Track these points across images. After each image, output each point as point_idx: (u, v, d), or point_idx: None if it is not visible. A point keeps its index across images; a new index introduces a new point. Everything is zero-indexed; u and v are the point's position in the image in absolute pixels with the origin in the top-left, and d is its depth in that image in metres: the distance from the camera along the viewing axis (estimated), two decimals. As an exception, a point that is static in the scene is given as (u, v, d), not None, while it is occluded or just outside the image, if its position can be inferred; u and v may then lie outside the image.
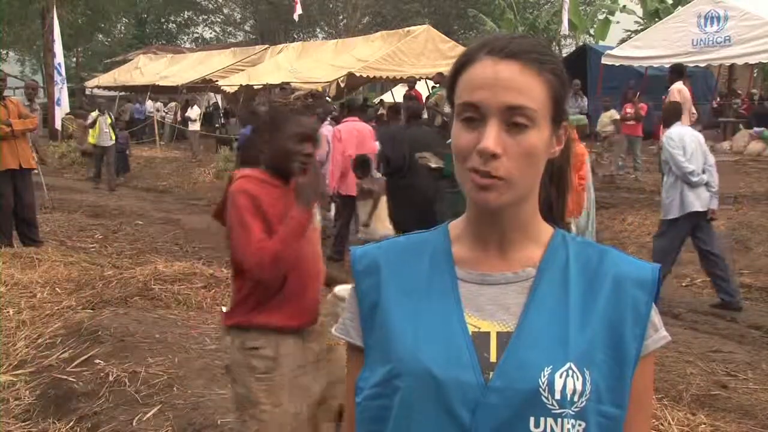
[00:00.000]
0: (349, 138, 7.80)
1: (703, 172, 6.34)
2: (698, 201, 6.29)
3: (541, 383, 1.02)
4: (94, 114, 15.24)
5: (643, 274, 1.11)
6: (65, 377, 4.07)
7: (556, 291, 1.08)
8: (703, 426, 3.78)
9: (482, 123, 1.04)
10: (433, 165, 6.79)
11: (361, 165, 7.18)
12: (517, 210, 1.08)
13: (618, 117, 13.03)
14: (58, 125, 19.09)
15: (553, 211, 1.18)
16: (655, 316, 1.11)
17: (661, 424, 3.67)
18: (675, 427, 3.65)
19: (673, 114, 6.69)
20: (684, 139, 6.34)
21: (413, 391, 1.05)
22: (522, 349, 1.04)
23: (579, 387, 1.02)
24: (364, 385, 1.13)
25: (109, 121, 14.98)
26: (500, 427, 1.02)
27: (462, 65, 1.09)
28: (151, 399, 3.73)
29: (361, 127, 7.95)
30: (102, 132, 14.77)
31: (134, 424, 3.52)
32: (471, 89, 1.05)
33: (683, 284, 7.33)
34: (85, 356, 4.25)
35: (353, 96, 15.18)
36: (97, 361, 4.16)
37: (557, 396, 1.02)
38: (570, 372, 1.02)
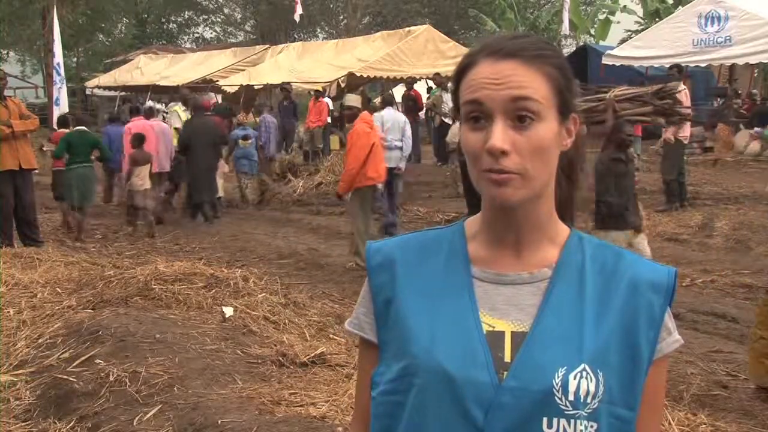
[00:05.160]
0: (137, 131, 10.87)
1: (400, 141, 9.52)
2: (389, 160, 8.98)
3: (555, 384, 1.02)
4: (178, 108, 12.54)
5: (659, 277, 1.11)
6: (66, 377, 4.07)
7: (572, 292, 1.09)
8: (704, 426, 3.78)
9: (488, 122, 1.04)
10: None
11: (137, 140, 10.37)
12: (533, 208, 1.08)
13: None
14: (56, 125, 19.05)
15: (563, 207, 1.17)
16: (669, 320, 1.11)
17: (662, 425, 3.66)
18: (675, 428, 3.65)
19: (388, 103, 10.09)
20: (384, 118, 9.41)
21: (427, 388, 1.06)
22: (536, 350, 1.05)
23: (592, 388, 1.03)
24: (379, 380, 1.13)
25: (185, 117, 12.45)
26: (513, 426, 1.02)
27: (463, 69, 1.10)
28: (151, 399, 3.73)
29: (144, 123, 11.42)
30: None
31: (135, 424, 3.52)
32: (474, 90, 1.06)
33: (683, 284, 7.32)
34: (86, 356, 4.25)
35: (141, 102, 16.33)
36: (98, 361, 4.16)
37: (571, 397, 1.02)
38: (584, 373, 1.03)
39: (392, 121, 9.65)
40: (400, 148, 9.49)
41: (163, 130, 11.57)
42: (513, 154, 1.03)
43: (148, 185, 10.39)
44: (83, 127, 9.81)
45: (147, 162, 10.44)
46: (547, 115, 1.05)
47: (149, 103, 22.78)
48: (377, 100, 11.44)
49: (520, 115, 1.03)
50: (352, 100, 8.49)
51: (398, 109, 16.48)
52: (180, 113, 12.21)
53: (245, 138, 12.36)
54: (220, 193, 11.80)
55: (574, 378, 1.02)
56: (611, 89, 8.94)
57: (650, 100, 8.99)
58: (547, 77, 1.06)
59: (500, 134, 1.02)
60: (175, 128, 11.81)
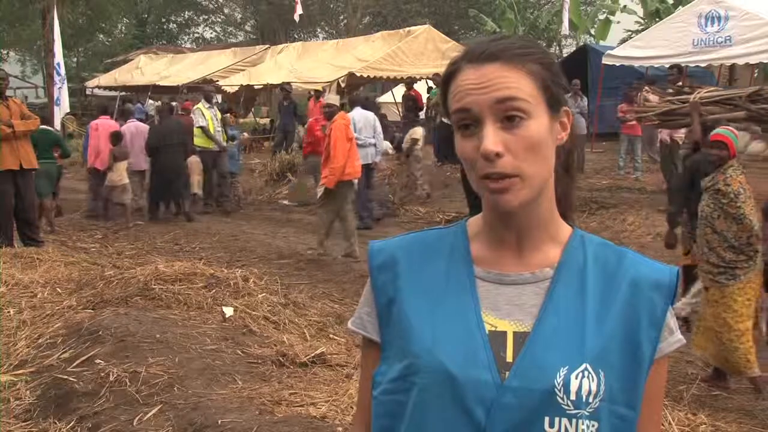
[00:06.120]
0: (103, 130, 11.48)
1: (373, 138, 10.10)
2: (365, 157, 9.58)
3: (556, 383, 1.02)
4: (201, 106, 11.82)
5: (661, 277, 1.11)
6: (66, 377, 4.07)
7: (573, 292, 1.09)
8: (704, 426, 3.78)
9: (479, 127, 1.05)
10: None
11: (115, 137, 11.00)
12: (534, 207, 1.08)
13: (419, 136, 12.32)
14: (57, 125, 19.04)
15: (563, 202, 1.16)
16: (671, 320, 1.11)
17: (662, 425, 3.66)
18: (675, 427, 3.65)
19: (357, 103, 10.52)
20: (355, 118, 9.69)
21: (429, 387, 1.06)
22: (538, 350, 1.05)
23: (594, 388, 1.03)
24: (381, 380, 1.13)
25: (219, 116, 12.06)
26: (515, 426, 1.03)
27: (448, 78, 1.10)
28: (151, 399, 3.73)
29: (110, 123, 11.89)
30: (216, 132, 11.77)
31: (135, 424, 3.52)
32: (460, 97, 1.06)
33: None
34: (86, 356, 4.25)
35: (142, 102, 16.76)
36: (98, 361, 4.16)
37: (572, 396, 1.02)
38: (585, 373, 1.03)
39: (363, 119, 10.14)
40: (374, 145, 10.13)
41: (138, 129, 11.82)
42: (507, 156, 1.03)
43: (125, 181, 11.01)
44: (46, 126, 10.34)
45: (125, 158, 11.06)
46: (536, 111, 1.05)
47: (149, 102, 22.82)
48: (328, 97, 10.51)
49: (509, 116, 1.04)
50: (332, 98, 9.05)
51: (398, 109, 16.53)
52: (203, 111, 11.74)
53: (232, 138, 12.42)
54: (196, 190, 11.99)
55: (576, 377, 1.03)
56: (696, 90, 8.32)
57: (743, 104, 8.27)
58: (531, 74, 1.06)
59: (491, 137, 1.03)
60: (199, 127, 11.63)
